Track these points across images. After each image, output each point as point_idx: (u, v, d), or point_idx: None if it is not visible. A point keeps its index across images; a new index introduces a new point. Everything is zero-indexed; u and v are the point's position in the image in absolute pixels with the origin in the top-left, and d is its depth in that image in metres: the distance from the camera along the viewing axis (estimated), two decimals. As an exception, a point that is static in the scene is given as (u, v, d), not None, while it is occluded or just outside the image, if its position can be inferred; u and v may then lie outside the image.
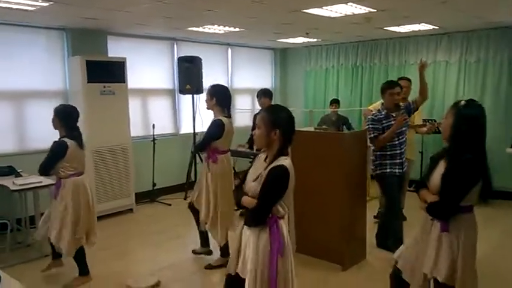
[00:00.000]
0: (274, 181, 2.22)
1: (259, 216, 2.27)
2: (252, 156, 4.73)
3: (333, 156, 4.07)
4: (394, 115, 4.29)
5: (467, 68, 6.75)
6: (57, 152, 3.64)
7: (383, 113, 4.34)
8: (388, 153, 4.33)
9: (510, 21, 5.86)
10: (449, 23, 6.00)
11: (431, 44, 7.05)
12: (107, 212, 5.84)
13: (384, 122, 4.30)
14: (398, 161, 4.34)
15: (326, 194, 4.11)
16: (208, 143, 4.05)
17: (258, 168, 2.34)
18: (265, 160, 2.34)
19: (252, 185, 2.29)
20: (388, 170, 4.34)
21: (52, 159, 3.65)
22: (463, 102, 2.50)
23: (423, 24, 6.01)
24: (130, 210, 6.15)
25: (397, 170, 4.34)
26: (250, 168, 2.47)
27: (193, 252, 4.52)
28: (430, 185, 2.53)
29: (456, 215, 2.43)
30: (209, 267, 4.23)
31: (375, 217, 5.44)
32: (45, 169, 3.66)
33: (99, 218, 5.57)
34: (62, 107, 3.81)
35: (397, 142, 4.31)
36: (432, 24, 6.08)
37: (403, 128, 4.36)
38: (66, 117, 3.71)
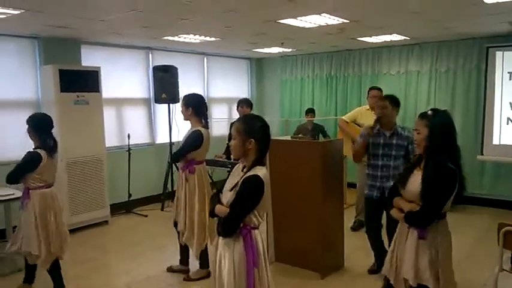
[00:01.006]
0: (247, 191, 2.21)
1: (229, 225, 2.25)
2: (230, 166, 4.72)
3: (309, 164, 4.10)
4: (386, 134, 3.90)
5: (437, 77, 6.96)
6: (29, 163, 3.55)
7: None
8: (369, 172, 4.00)
9: (476, 32, 6.08)
10: (420, 33, 6.18)
11: (403, 54, 7.24)
12: (82, 224, 5.70)
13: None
14: (378, 184, 3.91)
15: (303, 202, 4.14)
16: (186, 154, 4.02)
17: (235, 178, 2.34)
18: (242, 170, 2.35)
19: (229, 194, 2.29)
20: (366, 191, 4.05)
21: (23, 170, 3.55)
22: (430, 112, 2.57)
23: (395, 34, 6.18)
24: (106, 222, 6.02)
25: (374, 194, 3.93)
26: (227, 177, 2.47)
27: (169, 269, 4.38)
28: (406, 192, 2.59)
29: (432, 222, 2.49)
30: (188, 279, 4.18)
31: (352, 229, 5.48)
32: (14, 178, 3.57)
33: (74, 230, 5.51)
34: (34, 116, 3.71)
35: (379, 163, 3.90)
36: (404, 35, 6.25)
37: (391, 152, 3.88)
38: (39, 126, 3.60)
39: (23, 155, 3.57)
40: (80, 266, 4.50)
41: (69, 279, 3.91)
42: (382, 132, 3.91)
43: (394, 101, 3.92)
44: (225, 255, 2.28)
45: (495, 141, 6.31)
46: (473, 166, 6.44)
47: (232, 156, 2.46)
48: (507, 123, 6.21)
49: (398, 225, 2.70)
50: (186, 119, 4.10)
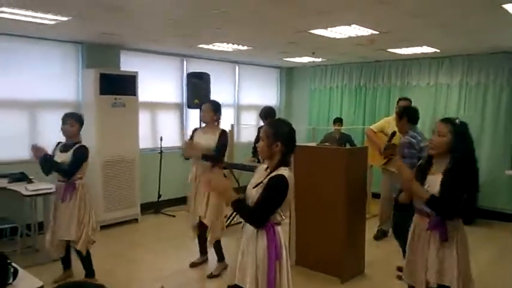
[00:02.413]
0: (274, 188, 2.36)
1: (257, 218, 2.38)
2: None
3: (333, 171, 4.21)
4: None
5: (467, 91, 6.93)
6: (86, 156, 3.95)
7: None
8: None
9: (508, 46, 6.05)
10: (450, 46, 6.20)
11: (433, 67, 7.25)
12: (114, 221, 5.99)
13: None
14: None
15: (326, 208, 4.25)
16: (224, 154, 4.35)
17: (259, 177, 2.49)
18: (266, 170, 2.50)
19: (253, 191, 2.44)
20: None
21: (80, 163, 3.91)
22: (457, 121, 2.67)
23: (425, 47, 6.22)
24: (136, 220, 6.29)
25: None
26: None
27: (192, 265, 4.63)
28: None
29: (449, 224, 2.59)
30: (211, 276, 4.36)
31: (375, 238, 5.51)
32: (73, 172, 3.88)
33: (106, 226, 5.78)
34: (80, 115, 4.08)
35: None
36: (434, 47, 6.28)
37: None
38: (82, 124, 4.02)
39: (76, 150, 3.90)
40: (111, 259, 4.76)
41: (100, 271, 4.16)
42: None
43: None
44: (249, 249, 2.42)
45: (525, 156, 6.23)
46: (501, 181, 6.36)
47: (260, 158, 2.61)
48: (538, 139, 6.13)
49: (412, 231, 2.78)
50: (207, 120, 4.42)
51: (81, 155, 3.91)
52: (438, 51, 6.52)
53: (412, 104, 5.51)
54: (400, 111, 4.47)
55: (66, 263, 4.17)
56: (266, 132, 2.47)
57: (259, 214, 2.38)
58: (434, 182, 2.61)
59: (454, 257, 2.59)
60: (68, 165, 3.85)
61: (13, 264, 2.24)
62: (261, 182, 2.42)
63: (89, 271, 4.06)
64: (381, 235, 5.57)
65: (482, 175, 2.82)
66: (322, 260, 4.30)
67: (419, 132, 4.32)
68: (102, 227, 5.71)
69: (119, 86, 5.99)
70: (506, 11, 3.95)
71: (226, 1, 3.80)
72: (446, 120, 2.69)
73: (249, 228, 2.45)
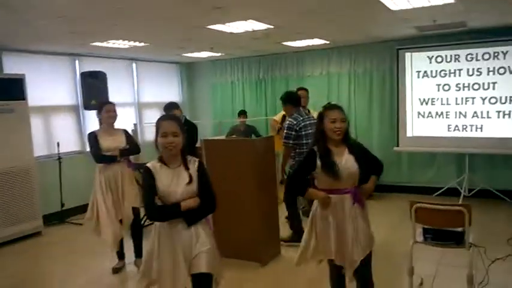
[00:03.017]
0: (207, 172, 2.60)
1: (215, 200, 2.61)
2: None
3: (243, 161, 4.37)
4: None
5: (356, 78, 7.57)
6: None
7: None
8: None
9: (388, 36, 6.73)
10: (338, 38, 6.71)
11: (324, 57, 7.78)
12: (14, 236, 5.52)
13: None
14: None
15: (240, 198, 4.38)
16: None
17: (180, 173, 2.52)
18: (174, 167, 2.54)
19: (189, 187, 2.49)
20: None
21: None
22: (340, 105, 2.97)
23: (316, 39, 6.65)
24: (39, 233, 5.84)
25: None
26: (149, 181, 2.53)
27: (114, 270, 4.47)
28: (343, 178, 2.79)
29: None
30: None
31: (286, 218, 5.80)
32: None
33: (4, 244, 5.30)
34: None
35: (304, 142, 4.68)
36: (324, 39, 6.75)
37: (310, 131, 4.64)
38: None
39: None
40: (8, 279, 4.39)
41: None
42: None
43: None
44: (200, 241, 2.52)
45: (409, 134, 7.01)
46: (391, 157, 7.09)
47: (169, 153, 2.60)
48: (418, 117, 6.93)
49: (319, 211, 2.90)
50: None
51: None
52: (328, 42, 7.02)
53: (309, 93, 5.91)
54: (282, 97, 4.99)
55: None
56: (179, 126, 2.53)
57: (214, 197, 2.58)
58: (348, 162, 2.80)
59: (367, 223, 2.90)
60: None
61: None
62: (190, 175, 2.50)
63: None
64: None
65: (374, 153, 3.12)
66: (241, 247, 4.43)
67: (304, 113, 4.87)
68: (1, 245, 5.23)
69: (4, 90, 5.49)
70: (383, 5, 4.41)
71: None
72: (340, 107, 2.91)
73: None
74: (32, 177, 5.76)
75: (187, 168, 2.52)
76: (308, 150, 2.98)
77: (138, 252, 4.43)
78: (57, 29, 4.89)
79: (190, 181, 2.49)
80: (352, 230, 2.81)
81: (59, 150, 6.39)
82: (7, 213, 5.46)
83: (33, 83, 6.04)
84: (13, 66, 6.00)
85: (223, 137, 5.13)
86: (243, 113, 7.63)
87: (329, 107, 2.91)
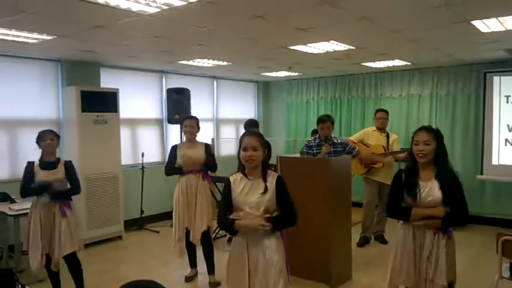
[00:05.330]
0: (287, 186, 2.67)
1: (296, 214, 2.70)
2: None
3: (317, 180, 4.38)
4: (324, 144, 4.99)
5: (438, 101, 7.28)
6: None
7: (317, 141, 5.05)
8: None
9: (474, 58, 6.42)
10: (421, 59, 6.53)
11: (404, 79, 7.58)
12: (97, 238, 5.94)
13: (315, 149, 5.00)
14: None
15: (313, 216, 4.36)
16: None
17: (257, 184, 2.63)
18: (250, 179, 2.66)
19: (264, 197, 2.59)
20: None
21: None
22: (435, 127, 2.90)
23: (397, 60, 6.52)
24: (120, 237, 6.25)
25: None
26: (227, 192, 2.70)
27: (187, 279, 4.66)
28: (423, 203, 2.75)
29: None
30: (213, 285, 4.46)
31: (358, 245, 5.67)
32: (80, 187, 4.02)
33: (90, 244, 5.71)
34: (55, 131, 4.06)
35: None
36: (405, 60, 6.59)
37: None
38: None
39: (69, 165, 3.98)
40: (98, 276, 4.71)
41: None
42: (321, 143, 5.05)
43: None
44: (268, 254, 2.62)
45: (494, 162, 6.57)
46: (474, 185, 6.67)
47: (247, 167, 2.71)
48: (505, 145, 6.48)
49: (403, 235, 2.87)
50: (193, 135, 4.57)
51: (74, 169, 3.98)
52: (409, 64, 6.84)
53: (388, 114, 5.81)
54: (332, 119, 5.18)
55: (56, 282, 4.10)
56: (260, 141, 2.65)
57: (295, 211, 2.66)
58: (431, 189, 2.75)
59: (453, 254, 2.78)
60: (73, 183, 3.93)
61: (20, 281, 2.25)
62: (266, 186, 2.60)
63: (81, 286, 4.02)
64: (363, 242, 5.74)
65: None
66: (311, 267, 4.41)
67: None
68: (86, 245, 5.62)
69: (100, 103, 6.00)
70: (474, 27, 4.24)
71: (209, 20, 3.92)
72: (429, 129, 2.88)
73: (260, 234, 2.61)
74: (118, 184, 6.20)
75: (265, 180, 2.63)
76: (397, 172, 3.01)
77: (211, 270, 4.53)
78: (151, 48, 5.29)
79: (265, 191, 2.59)
80: (434, 260, 2.74)
81: (143, 160, 6.82)
82: (94, 216, 5.91)
83: (124, 96, 6.54)
84: (108, 80, 6.55)
85: (298, 155, 5.17)
86: (316, 132, 7.61)
87: (418, 129, 2.93)
